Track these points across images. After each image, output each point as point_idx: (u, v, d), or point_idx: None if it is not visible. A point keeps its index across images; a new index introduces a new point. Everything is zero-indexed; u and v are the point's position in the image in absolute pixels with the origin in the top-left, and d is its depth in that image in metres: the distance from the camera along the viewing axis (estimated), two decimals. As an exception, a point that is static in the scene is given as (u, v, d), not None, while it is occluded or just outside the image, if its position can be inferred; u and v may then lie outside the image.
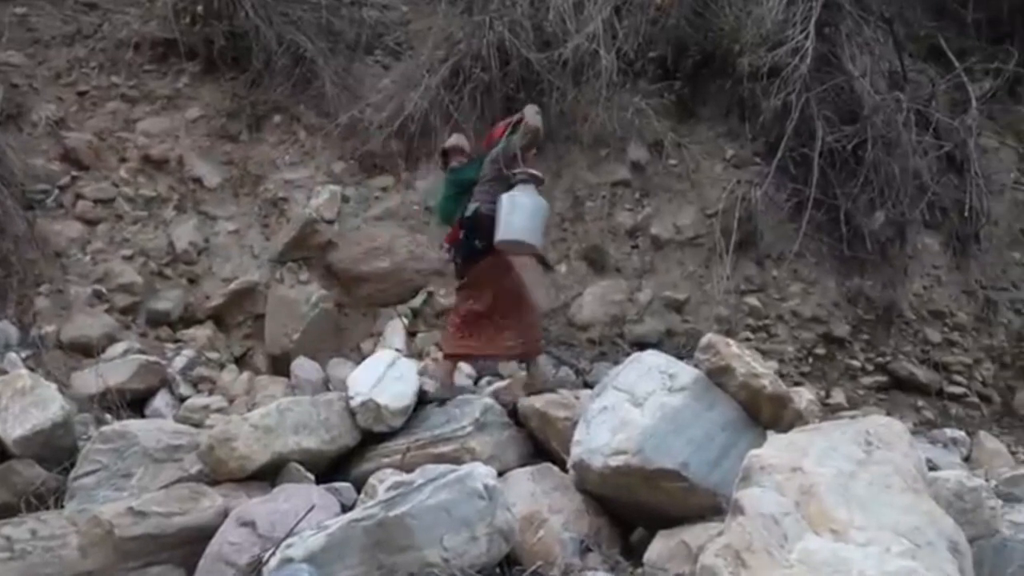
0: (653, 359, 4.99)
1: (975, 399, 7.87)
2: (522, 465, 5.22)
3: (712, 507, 4.39)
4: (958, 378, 7.91)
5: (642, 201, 8.18)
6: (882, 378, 7.81)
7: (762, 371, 4.80)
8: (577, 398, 5.65)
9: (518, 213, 5.77)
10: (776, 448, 3.88)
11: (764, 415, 4.78)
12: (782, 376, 7.45)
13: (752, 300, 7.78)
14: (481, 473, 3.93)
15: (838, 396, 7.55)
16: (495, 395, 5.86)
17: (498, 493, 3.95)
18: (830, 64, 8.20)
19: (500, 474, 4.97)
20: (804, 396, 6.71)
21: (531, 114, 5.96)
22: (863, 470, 3.67)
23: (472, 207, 5.98)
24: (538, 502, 4.70)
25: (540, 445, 5.49)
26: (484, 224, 5.85)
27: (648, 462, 4.42)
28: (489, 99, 8.08)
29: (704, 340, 4.92)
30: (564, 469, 4.97)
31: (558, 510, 4.66)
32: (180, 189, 7.94)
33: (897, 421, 4.17)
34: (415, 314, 7.78)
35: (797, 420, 4.80)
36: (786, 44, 7.83)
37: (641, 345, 7.13)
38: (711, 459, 4.52)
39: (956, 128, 8.31)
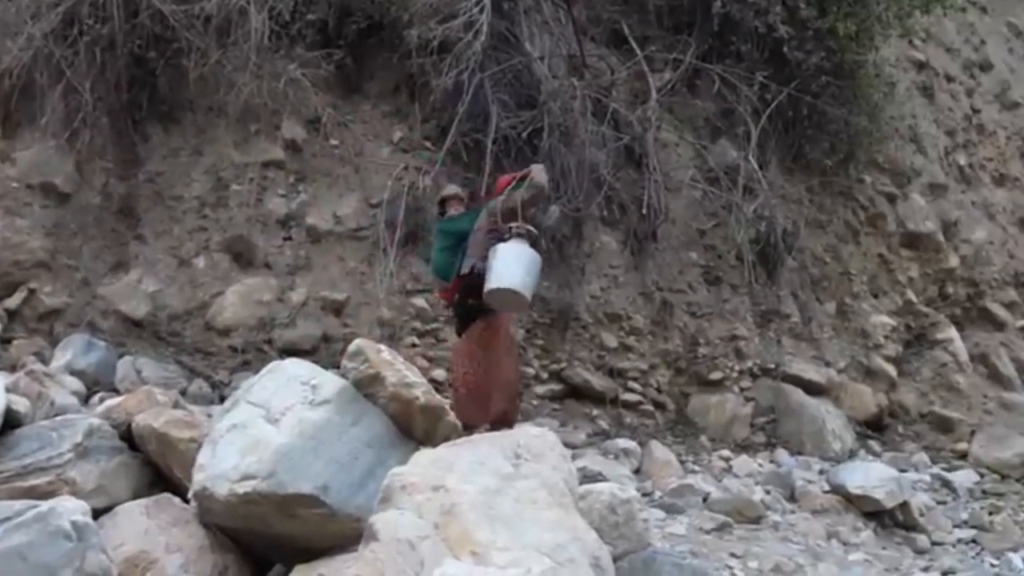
0: (294, 368, 4.99)
1: (650, 407, 8.64)
2: (136, 497, 5.04)
3: (355, 534, 4.43)
4: (633, 385, 8.63)
5: (297, 186, 8.19)
6: (557, 386, 8.36)
7: (415, 380, 4.95)
8: (210, 416, 5.55)
9: (512, 263, 6.25)
10: (420, 465, 4.03)
11: (417, 429, 4.93)
12: (452, 386, 7.75)
13: (419, 301, 8.02)
14: (68, 508, 3.74)
15: (511, 407, 7.96)
16: (106, 414, 5.59)
17: (90, 532, 3.78)
18: (507, 43, 8.62)
19: (108, 508, 4.79)
20: (469, 408, 7.01)
21: (538, 170, 6.56)
22: (510, 486, 3.90)
23: (468, 263, 6.48)
24: (152, 540, 4.55)
25: (160, 472, 5.32)
26: (479, 282, 6.32)
27: (281, 487, 4.41)
28: (112, 57, 7.74)
29: (353, 346, 4.99)
30: (187, 500, 4.87)
31: (176, 548, 4.55)
32: None
33: (549, 432, 4.49)
34: (11, 316, 7.28)
35: (454, 434, 5.01)
36: (460, 17, 8.14)
37: (292, 353, 7.10)
38: (355, 480, 4.59)
39: (635, 120, 9.06)
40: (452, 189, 7.12)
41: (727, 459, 8.23)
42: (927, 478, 8.67)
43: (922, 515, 7.58)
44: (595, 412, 8.38)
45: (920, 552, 7.09)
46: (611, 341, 8.62)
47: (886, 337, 10.34)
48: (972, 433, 9.91)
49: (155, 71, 7.91)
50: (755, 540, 6.31)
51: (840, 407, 9.51)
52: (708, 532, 6.26)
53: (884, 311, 10.48)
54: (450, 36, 8.12)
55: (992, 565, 7.08)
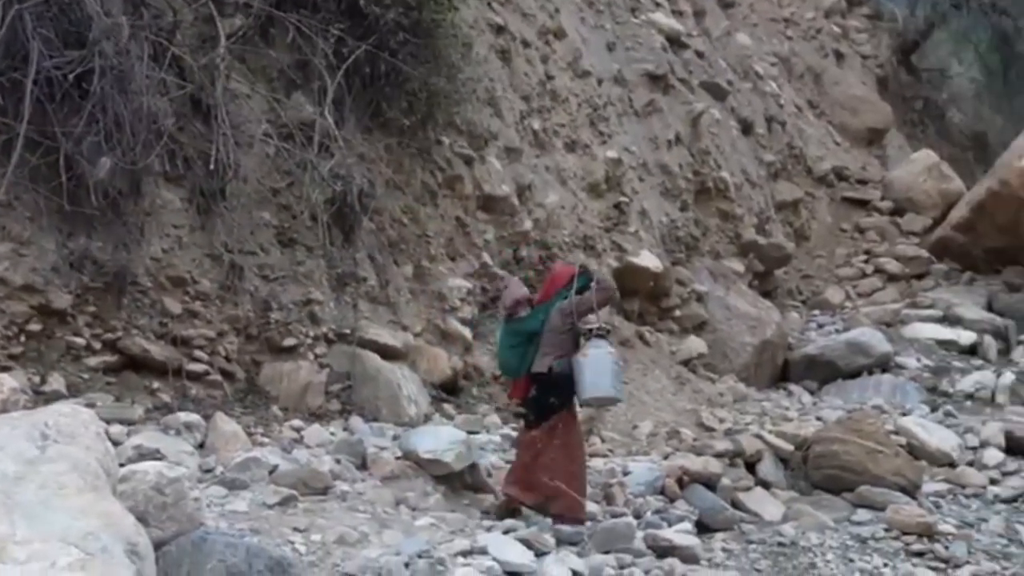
0: None
1: (217, 377, 8.45)
2: None
3: None
4: (200, 354, 8.39)
5: None
6: (111, 357, 7.95)
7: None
8: None
9: (604, 370, 7.25)
10: (-75, 454, 3.70)
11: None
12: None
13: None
14: None
15: (57, 382, 7.49)
16: None
17: None
18: (52, -27, 8.02)
19: None
20: (7, 384, 6.57)
21: (603, 273, 7.83)
22: (34, 471, 3.69)
23: (544, 362, 7.37)
24: None
25: None
26: (559, 381, 7.33)
27: None
28: None
29: None
30: None
31: None
32: None
33: (85, 409, 4.29)
34: None
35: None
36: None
37: None
38: None
39: (202, 68, 8.76)
40: (520, 292, 7.87)
41: (299, 429, 8.25)
42: (498, 439, 9.19)
43: (490, 476, 8.06)
44: (156, 385, 8.06)
45: (486, 512, 7.53)
46: (175, 307, 8.32)
47: (462, 300, 10.80)
48: (540, 393, 10.58)
49: None
50: (320, 512, 6.39)
51: (416, 371, 9.81)
52: (271, 507, 6.26)
53: (460, 274, 10.93)
54: (-21, -40, 7.44)
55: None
